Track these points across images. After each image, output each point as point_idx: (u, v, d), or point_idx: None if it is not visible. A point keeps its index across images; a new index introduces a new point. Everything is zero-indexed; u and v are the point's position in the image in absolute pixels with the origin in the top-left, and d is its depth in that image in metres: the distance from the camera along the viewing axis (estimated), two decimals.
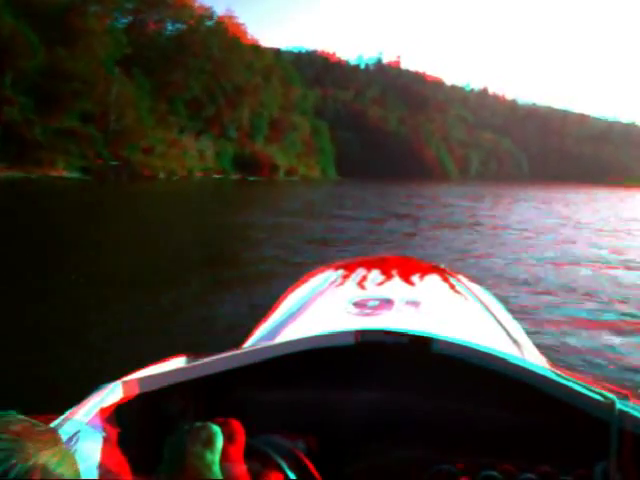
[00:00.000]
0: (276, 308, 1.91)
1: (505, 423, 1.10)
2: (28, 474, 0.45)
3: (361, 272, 2.26)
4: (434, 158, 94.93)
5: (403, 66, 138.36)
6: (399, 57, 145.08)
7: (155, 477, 0.74)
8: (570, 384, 1.01)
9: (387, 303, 1.67)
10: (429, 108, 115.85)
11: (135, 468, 0.87)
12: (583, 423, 0.99)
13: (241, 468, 0.78)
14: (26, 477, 0.45)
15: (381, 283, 2.09)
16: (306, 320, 1.60)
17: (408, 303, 1.69)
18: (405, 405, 1.15)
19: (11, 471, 0.43)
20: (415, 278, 2.20)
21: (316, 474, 0.93)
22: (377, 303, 1.67)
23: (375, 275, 2.21)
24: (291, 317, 1.66)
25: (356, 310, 1.62)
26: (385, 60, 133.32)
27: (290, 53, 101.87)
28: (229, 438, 0.78)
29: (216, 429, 0.77)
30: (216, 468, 0.73)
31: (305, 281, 2.26)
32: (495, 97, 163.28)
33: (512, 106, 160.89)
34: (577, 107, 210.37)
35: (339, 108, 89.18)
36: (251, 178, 49.35)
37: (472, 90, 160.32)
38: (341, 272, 2.29)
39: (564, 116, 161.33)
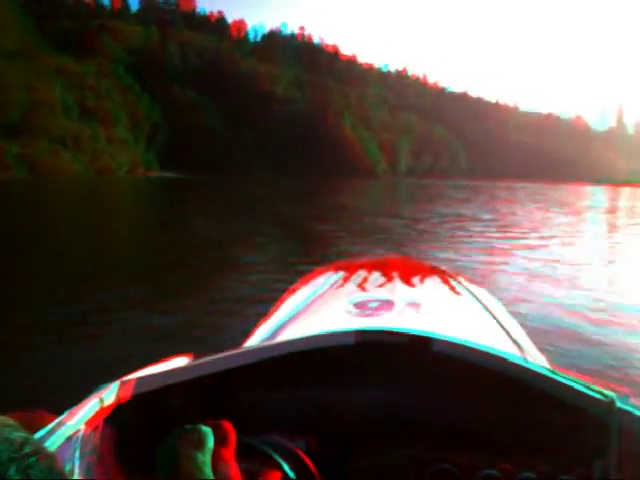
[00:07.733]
0: (276, 309, 1.90)
1: (505, 422, 1.13)
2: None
3: (362, 274, 2.28)
4: (353, 144, 60.51)
5: (311, 41, 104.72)
6: (302, 27, 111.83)
7: None
8: (569, 383, 1.03)
9: (387, 304, 1.70)
10: (342, 80, 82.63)
11: (134, 468, 0.86)
12: (582, 422, 1.01)
13: (234, 468, 0.77)
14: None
15: (382, 285, 2.10)
16: (306, 320, 1.63)
17: (408, 304, 1.71)
18: (405, 405, 1.18)
19: None
20: (415, 279, 2.22)
21: (316, 474, 0.94)
22: (377, 304, 1.70)
23: (376, 276, 2.23)
24: (291, 318, 1.67)
25: (356, 311, 1.63)
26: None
27: None
28: (220, 439, 0.77)
29: (206, 430, 0.76)
30: (208, 469, 0.73)
31: (305, 282, 2.27)
32: (417, 79, 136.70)
33: (438, 89, 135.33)
34: (499, 100, 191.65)
35: (186, 54, 51.71)
36: None
37: (389, 71, 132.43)
38: (341, 274, 2.31)
39: (496, 105, 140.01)
